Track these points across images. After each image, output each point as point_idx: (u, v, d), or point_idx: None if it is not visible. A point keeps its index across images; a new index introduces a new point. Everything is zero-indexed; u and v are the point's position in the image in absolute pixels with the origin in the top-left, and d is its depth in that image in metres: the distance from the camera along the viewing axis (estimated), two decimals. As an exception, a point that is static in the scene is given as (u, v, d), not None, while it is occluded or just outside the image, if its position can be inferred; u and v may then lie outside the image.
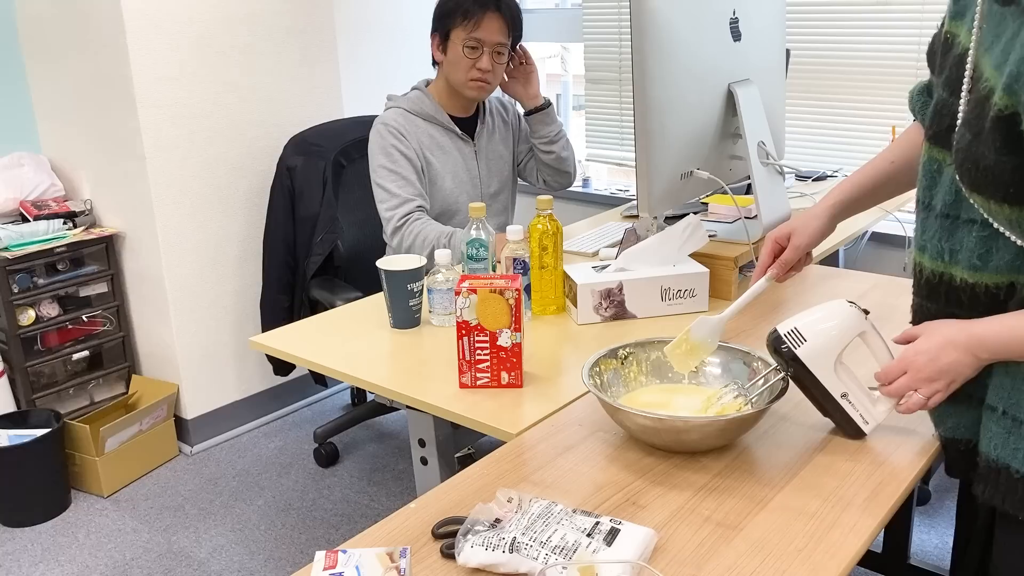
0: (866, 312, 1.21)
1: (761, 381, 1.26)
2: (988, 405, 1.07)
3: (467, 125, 2.35)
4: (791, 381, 1.22)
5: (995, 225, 1.01)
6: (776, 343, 1.20)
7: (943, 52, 1.09)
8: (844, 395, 1.20)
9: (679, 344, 1.34)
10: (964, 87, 1.01)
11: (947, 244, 1.08)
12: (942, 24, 1.12)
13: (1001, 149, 0.94)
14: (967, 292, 1.07)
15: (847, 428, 1.23)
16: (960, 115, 1.01)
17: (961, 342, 1.06)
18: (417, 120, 2.27)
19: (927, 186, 1.11)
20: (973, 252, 1.05)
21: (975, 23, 1.01)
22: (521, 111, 2.49)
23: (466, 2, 2.20)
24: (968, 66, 1.01)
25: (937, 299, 1.11)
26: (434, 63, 2.32)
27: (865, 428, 1.22)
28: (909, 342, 1.13)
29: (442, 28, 2.25)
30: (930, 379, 1.09)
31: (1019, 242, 1.00)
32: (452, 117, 2.32)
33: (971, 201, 1.01)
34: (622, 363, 1.36)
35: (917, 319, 1.16)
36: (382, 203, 2.21)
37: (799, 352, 1.18)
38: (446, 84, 2.29)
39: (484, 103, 2.40)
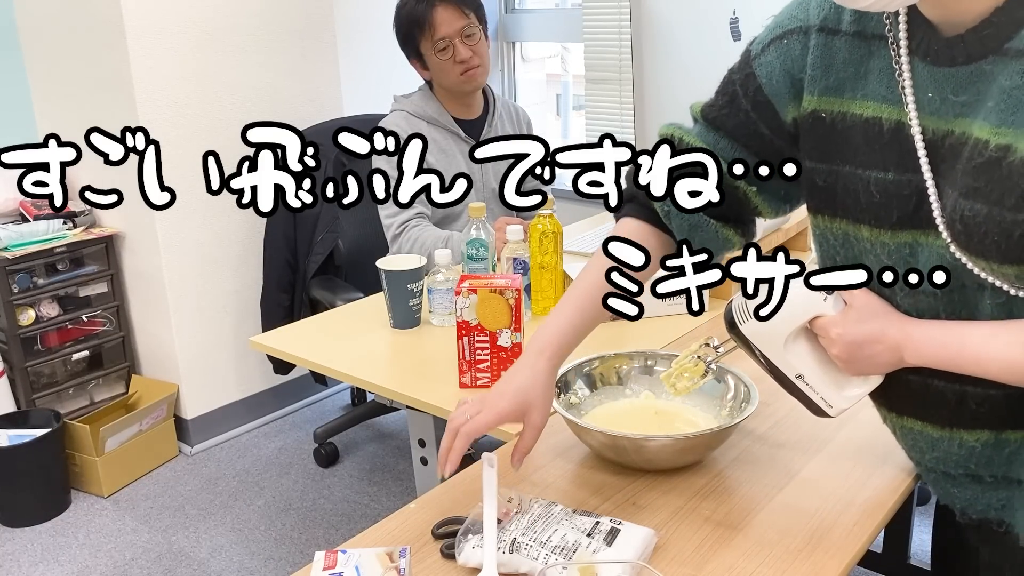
0: (829, 290, 1.06)
1: (721, 349, 1.19)
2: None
3: (473, 127, 2.33)
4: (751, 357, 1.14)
5: (1005, 287, 0.90)
6: (726, 314, 1.12)
7: (822, 133, 0.99)
8: (799, 376, 1.09)
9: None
10: (925, 162, 0.91)
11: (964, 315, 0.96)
12: (782, 98, 1.03)
13: (1016, 209, 0.83)
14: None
15: (811, 409, 1.13)
16: (951, 191, 0.89)
17: (893, 341, 0.97)
18: (420, 123, 2.27)
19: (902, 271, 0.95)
20: (993, 318, 0.93)
21: (906, 92, 0.91)
22: (530, 119, 2.47)
23: (412, 13, 2.20)
24: (920, 137, 0.91)
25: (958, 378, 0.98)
26: (428, 82, 2.32)
27: (829, 411, 1.10)
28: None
29: (411, 50, 2.26)
30: (839, 360, 1.02)
31: (1011, 291, 0.89)
32: (459, 120, 2.30)
33: (970, 268, 0.91)
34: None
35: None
36: (383, 208, 2.21)
37: (743, 328, 1.09)
38: (445, 90, 2.29)
39: (492, 104, 2.38)
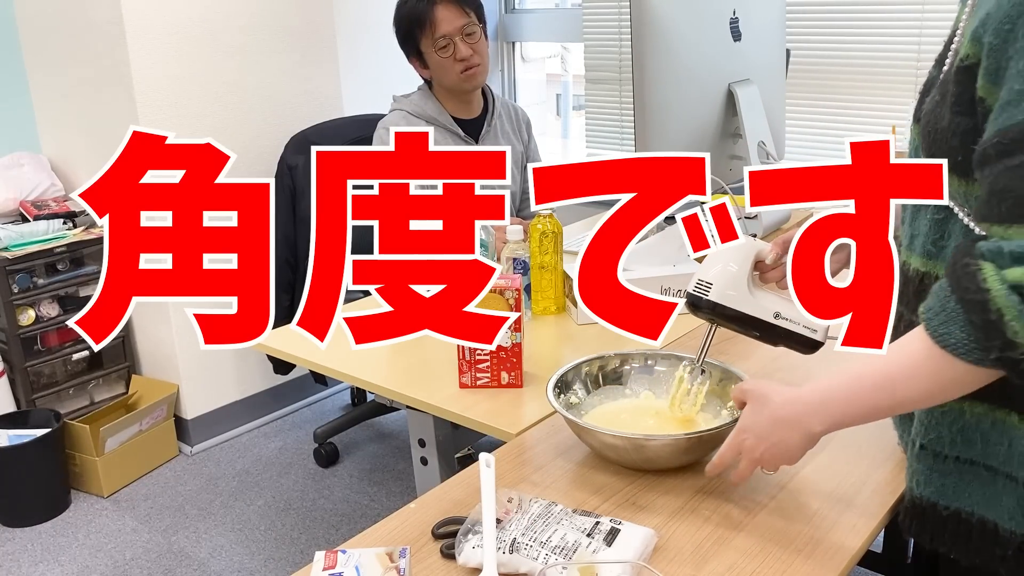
0: (753, 235, 1.17)
1: (706, 345, 1.21)
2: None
3: (472, 127, 2.34)
4: (733, 329, 1.17)
5: (950, 205, 0.94)
6: (690, 300, 1.16)
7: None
8: (777, 315, 1.14)
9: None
10: (948, 59, 0.96)
11: (909, 229, 1.03)
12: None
13: (955, 106, 0.90)
14: (915, 283, 1.01)
15: (801, 347, 1.15)
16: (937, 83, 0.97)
17: (789, 415, 0.99)
18: (419, 122, 2.27)
19: None
20: (928, 237, 0.99)
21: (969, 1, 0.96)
22: (529, 118, 2.47)
23: (413, 11, 2.21)
24: (957, 38, 0.96)
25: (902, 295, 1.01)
26: (428, 82, 2.33)
27: (816, 336, 1.12)
28: (741, 406, 1.07)
29: (411, 48, 2.27)
30: (764, 460, 1.03)
31: (968, 223, 0.93)
32: (458, 120, 2.31)
33: None
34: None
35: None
36: None
37: (711, 296, 1.14)
38: (445, 90, 2.30)
39: (491, 104, 2.38)
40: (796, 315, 1.11)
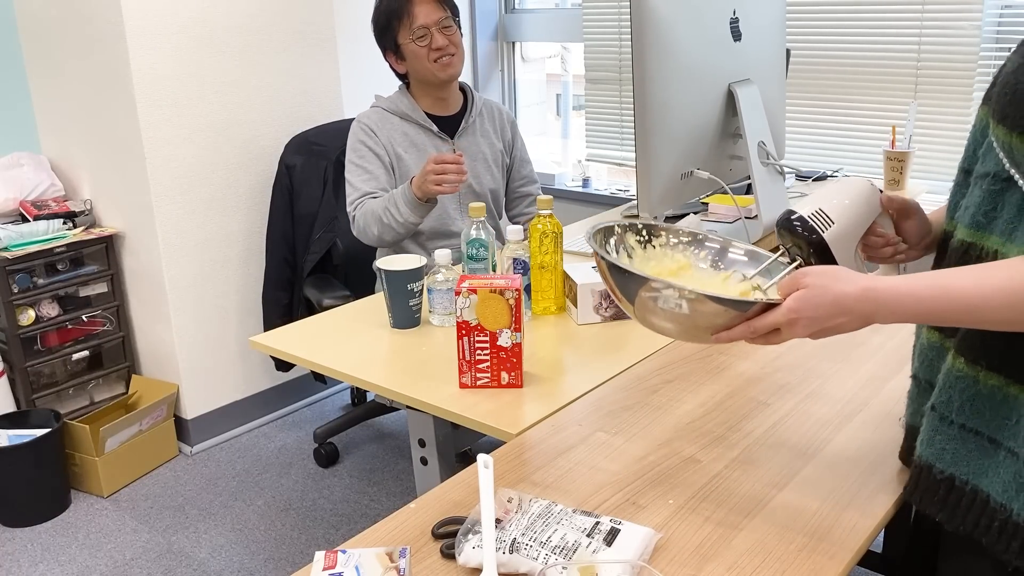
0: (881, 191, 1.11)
1: (769, 272, 1.12)
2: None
3: (448, 124, 2.36)
4: (805, 261, 1.10)
5: (1012, 174, 0.92)
6: (799, 225, 1.07)
7: None
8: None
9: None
10: None
11: (957, 199, 1.01)
12: None
13: None
14: (958, 254, 0.99)
15: None
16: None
17: (856, 308, 0.95)
18: (393, 118, 2.32)
19: (969, 148, 1.02)
20: (979, 208, 0.97)
21: None
22: (512, 117, 2.50)
23: (392, 4, 2.26)
24: None
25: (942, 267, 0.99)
26: (403, 78, 2.37)
27: None
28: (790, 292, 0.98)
29: (388, 41, 2.30)
30: (806, 335, 0.98)
31: None
32: (433, 117, 2.34)
33: (994, 146, 0.94)
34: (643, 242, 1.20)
35: None
36: (347, 197, 2.28)
37: (827, 236, 1.05)
38: (420, 84, 2.33)
39: (470, 103, 2.41)
40: None
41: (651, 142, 1.69)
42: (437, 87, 2.32)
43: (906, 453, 1.14)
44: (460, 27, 2.32)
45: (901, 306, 0.93)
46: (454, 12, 2.30)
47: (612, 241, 1.18)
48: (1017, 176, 0.93)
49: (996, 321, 0.90)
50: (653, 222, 1.23)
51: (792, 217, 1.09)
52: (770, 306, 0.98)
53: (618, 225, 1.19)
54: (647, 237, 1.21)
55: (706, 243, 1.21)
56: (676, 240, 1.21)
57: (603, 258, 1.06)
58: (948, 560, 1.06)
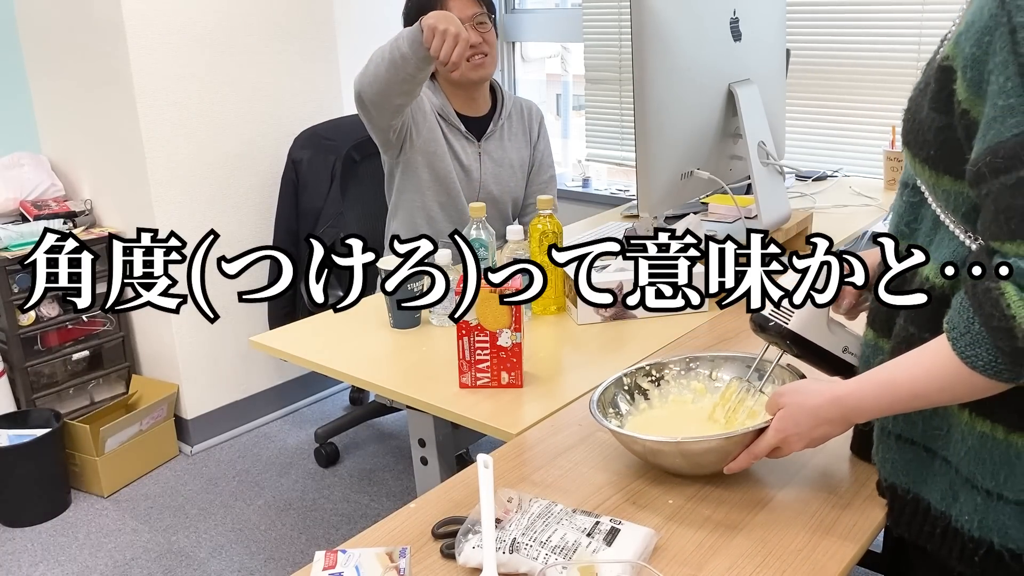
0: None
1: (762, 369, 1.21)
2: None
3: (477, 125, 2.28)
4: (792, 354, 1.15)
5: (923, 190, 0.97)
6: (763, 323, 1.13)
7: None
8: (845, 349, 1.14)
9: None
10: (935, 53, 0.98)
11: (892, 211, 1.06)
12: None
13: (932, 102, 0.92)
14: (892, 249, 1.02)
15: (845, 374, 1.15)
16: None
17: (830, 416, 1.01)
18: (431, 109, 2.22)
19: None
20: (902, 218, 1.02)
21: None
22: (541, 116, 2.42)
23: None
24: (948, 35, 0.97)
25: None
26: (431, 75, 2.25)
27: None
28: (775, 412, 1.07)
29: None
30: (802, 447, 1.06)
31: (937, 211, 0.96)
32: (462, 116, 2.26)
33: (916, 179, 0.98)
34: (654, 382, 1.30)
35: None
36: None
37: (791, 326, 1.11)
38: (448, 83, 2.25)
39: (500, 104, 2.32)
40: (858, 348, 1.14)
41: (651, 142, 1.69)
42: (466, 87, 2.23)
43: (856, 445, 1.19)
44: (496, 26, 2.23)
45: (864, 406, 0.99)
46: (490, 9, 2.20)
47: (626, 385, 1.27)
48: (927, 196, 0.97)
49: (941, 402, 0.94)
50: (660, 360, 1.31)
51: (753, 317, 1.15)
52: (762, 430, 1.07)
53: (624, 375, 1.28)
54: (659, 375, 1.30)
55: (697, 365, 1.30)
56: (678, 368, 1.30)
57: (604, 425, 1.15)
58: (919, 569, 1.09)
